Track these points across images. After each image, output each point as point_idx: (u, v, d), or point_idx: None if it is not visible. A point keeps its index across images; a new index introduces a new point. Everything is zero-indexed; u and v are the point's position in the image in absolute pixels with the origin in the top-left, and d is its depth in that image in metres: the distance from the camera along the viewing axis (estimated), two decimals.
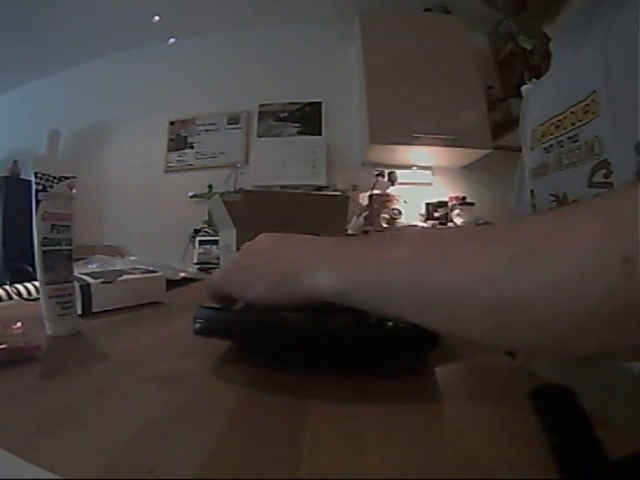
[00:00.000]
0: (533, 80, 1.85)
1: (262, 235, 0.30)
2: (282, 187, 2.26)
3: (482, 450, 0.17)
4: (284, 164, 2.41)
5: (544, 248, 0.16)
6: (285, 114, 2.59)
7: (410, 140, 2.01)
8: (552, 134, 0.43)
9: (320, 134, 2.52)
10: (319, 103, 2.56)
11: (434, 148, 2.09)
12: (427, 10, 2.32)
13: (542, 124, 0.45)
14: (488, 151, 2.10)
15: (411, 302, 0.20)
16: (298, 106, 2.58)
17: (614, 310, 0.14)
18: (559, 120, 0.42)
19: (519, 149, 0.61)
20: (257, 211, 0.72)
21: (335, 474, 0.15)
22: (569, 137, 0.40)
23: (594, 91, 0.36)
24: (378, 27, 2.19)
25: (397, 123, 2.01)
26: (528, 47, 2.02)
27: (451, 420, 0.20)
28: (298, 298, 0.25)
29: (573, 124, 0.39)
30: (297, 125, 2.56)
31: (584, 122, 0.38)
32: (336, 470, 0.16)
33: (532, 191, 0.49)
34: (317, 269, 0.24)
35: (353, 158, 2.44)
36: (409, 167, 2.37)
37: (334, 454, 0.17)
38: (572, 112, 0.39)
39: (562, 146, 0.41)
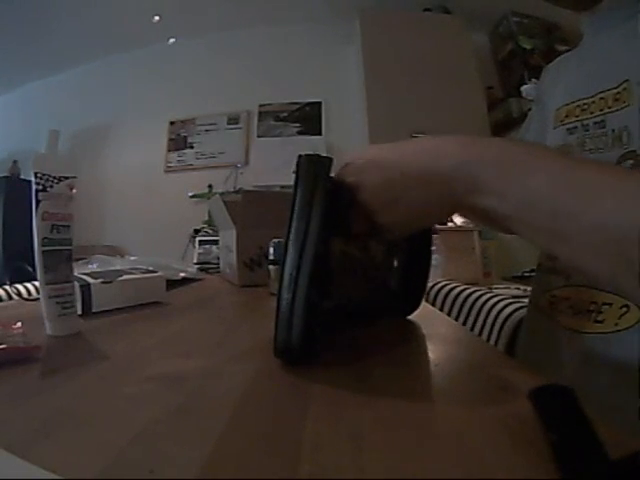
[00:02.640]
0: (533, 80, 1.85)
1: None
2: (282, 187, 2.26)
3: (482, 450, 0.17)
4: (284, 164, 2.41)
5: None
6: (285, 114, 2.59)
7: None
8: (577, 116, 0.42)
9: (320, 134, 2.52)
10: (319, 103, 2.56)
11: None
12: (427, 10, 2.32)
13: (567, 104, 0.45)
14: None
15: (548, 234, 0.23)
16: (298, 106, 2.58)
17: None
18: (586, 104, 0.41)
19: None
20: (257, 211, 0.72)
21: (335, 474, 0.15)
22: (595, 122, 0.39)
23: (627, 79, 0.35)
24: (378, 27, 2.19)
25: (397, 123, 2.01)
26: (528, 47, 2.02)
27: (451, 420, 0.20)
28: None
29: (601, 110, 0.39)
30: (297, 125, 2.56)
31: (613, 109, 0.37)
32: (336, 470, 0.15)
33: None
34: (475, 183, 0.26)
35: None
36: None
37: (334, 454, 0.17)
38: (601, 98, 0.39)
39: (587, 130, 0.41)
